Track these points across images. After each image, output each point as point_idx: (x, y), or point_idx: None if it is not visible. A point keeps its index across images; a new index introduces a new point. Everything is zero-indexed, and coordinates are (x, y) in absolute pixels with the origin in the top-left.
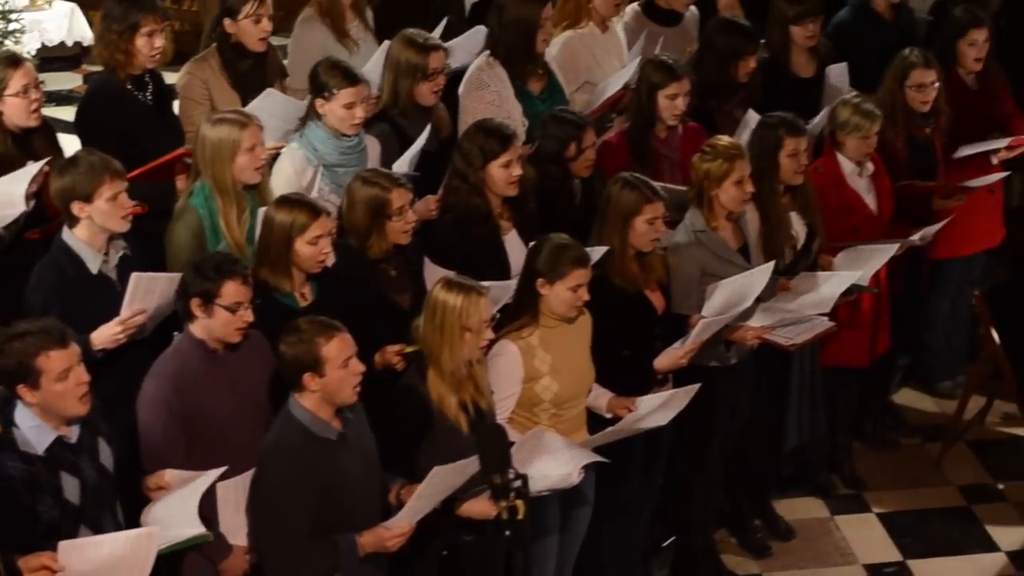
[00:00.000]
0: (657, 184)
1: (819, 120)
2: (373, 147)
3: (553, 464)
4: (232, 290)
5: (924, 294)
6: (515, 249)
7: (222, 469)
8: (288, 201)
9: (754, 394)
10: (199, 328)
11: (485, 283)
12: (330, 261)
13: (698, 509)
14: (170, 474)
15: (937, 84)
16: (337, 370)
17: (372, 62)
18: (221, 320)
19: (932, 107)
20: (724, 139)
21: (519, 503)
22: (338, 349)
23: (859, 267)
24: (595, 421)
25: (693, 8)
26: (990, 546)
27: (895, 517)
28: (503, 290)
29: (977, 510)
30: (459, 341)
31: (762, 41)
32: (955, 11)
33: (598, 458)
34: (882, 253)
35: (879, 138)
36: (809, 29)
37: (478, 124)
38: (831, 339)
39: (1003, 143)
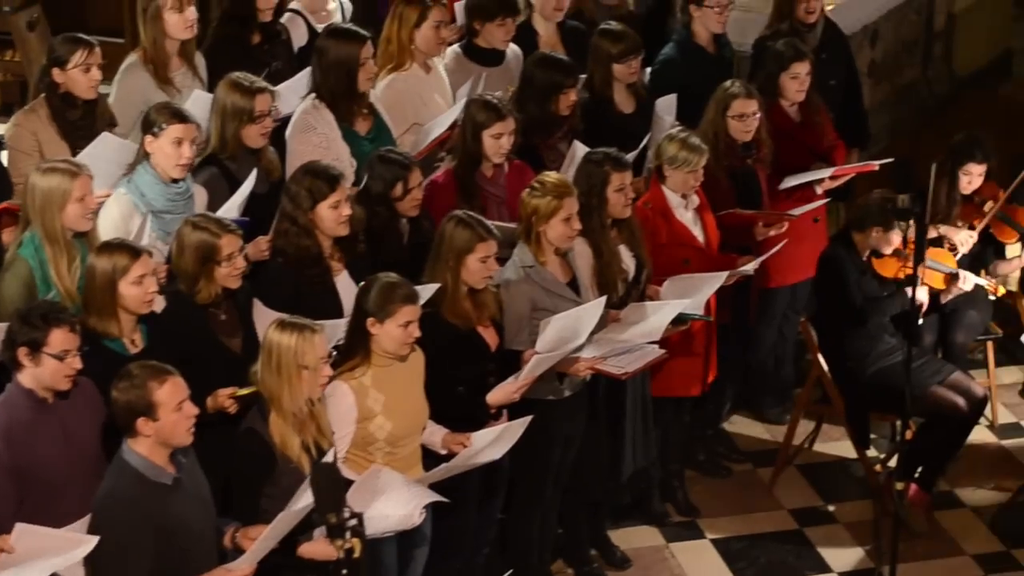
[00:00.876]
0: (489, 222)
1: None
2: (200, 195)
3: (393, 504)
4: (59, 338)
5: (752, 323)
6: (346, 290)
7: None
8: (108, 246)
9: (589, 424)
10: (27, 378)
11: (319, 322)
12: (159, 306)
13: (535, 541)
14: (17, 534)
15: (758, 114)
16: (171, 414)
17: (198, 108)
18: (49, 368)
19: (754, 137)
20: (552, 176)
21: (355, 542)
22: (171, 393)
23: (688, 296)
24: (431, 458)
25: (514, 46)
26: (823, 568)
27: (729, 542)
28: (336, 328)
29: (809, 533)
30: (297, 380)
31: (583, 77)
32: (777, 45)
33: (438, 498)
34: (712, 282)
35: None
36: (631, 66)
37: (305, 166)
38: (665, 370)
39: (827, 173)
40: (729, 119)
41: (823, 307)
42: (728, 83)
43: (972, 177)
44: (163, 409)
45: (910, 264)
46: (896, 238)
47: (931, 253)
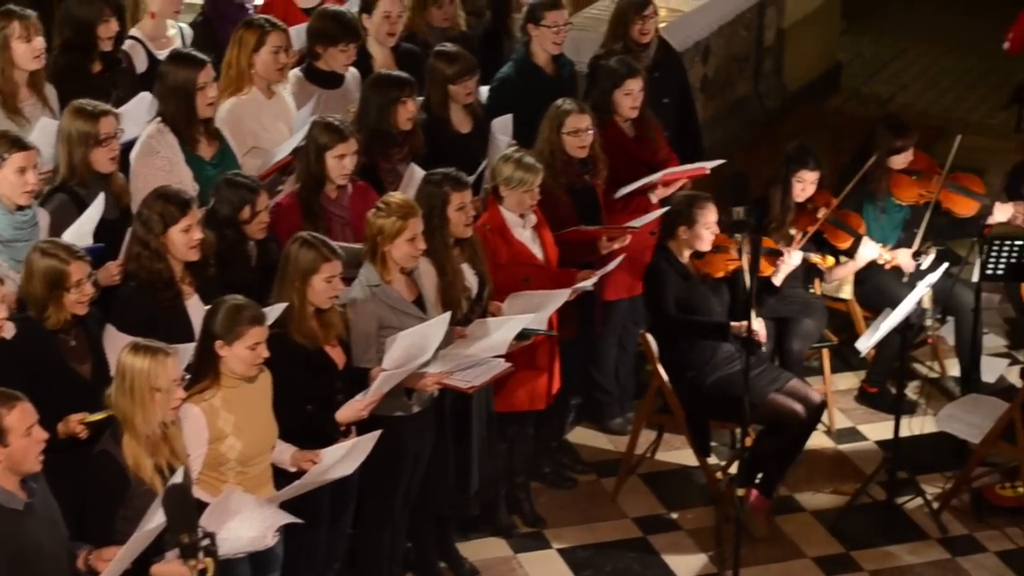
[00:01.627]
0: (333, 243)
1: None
2: (44, 219)
3: (246, 525)
4: None
5: (595, 336)
6: (197, 313)
7: None
8: None
9: (437, 440)
10: None
11: (172, 345)
12: (9, 333)
13: (385, 556)
14: None
15: (591, 130)
16: (20, 439)
17: (45, 136)
18: None
19: (589, 154)
20: (397, 196)
21: (208, 562)
22: (19, 418)
23: (531, 312)
24: (282, 476)
25: (353, 69)
26: (668, 574)
27: (575, 552)
28: (188, 352)
29: (653, 540)
30: (151, 403)
31: (420, 99)
32: (610, 62)
33: (291, 519)
34: (555, 299)
35: (540, 188)
36: (467, 86)
37: (156, 191)
38: (509, 386)
39: (658, 176)
40: (564, 136)
41: (654, 320)
42: (560, 101)
43: (805, 184)
44: (12, 435)
45: (734, 256)
46: (706, 232)
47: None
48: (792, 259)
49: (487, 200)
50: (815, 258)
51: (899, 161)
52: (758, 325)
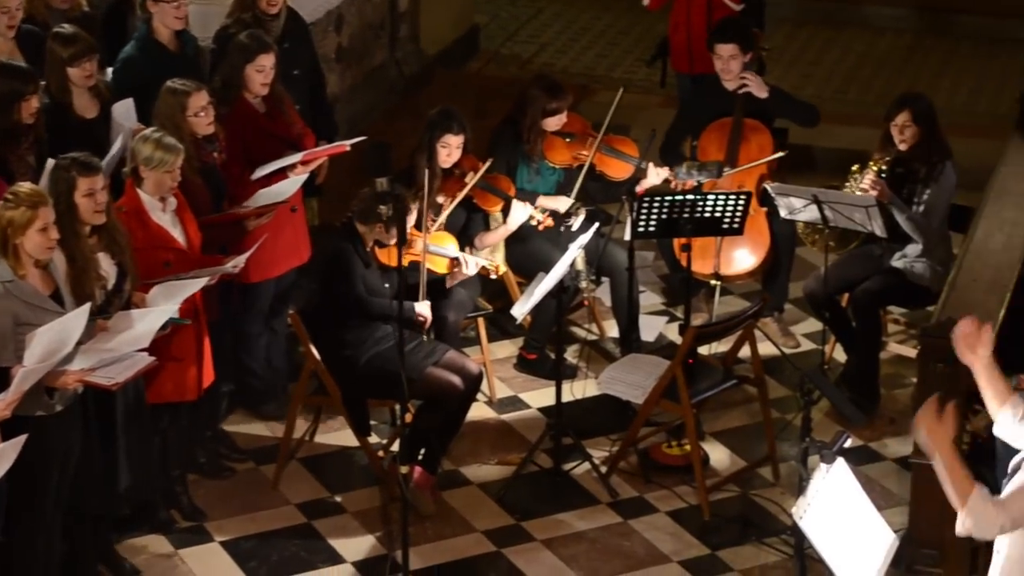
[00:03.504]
0: None
1: (113, 155)
2: None
3: None
4: None
5: (240, 319)
6: None
7: None
8: None
9: (84, 437)
10: None
11: None
12: None
13: (40, 563)
14: None
15: (212, 105)
16: None
17: None
18: None
19: (215, 132)
20: (26, 186)
21: None
22: None
23: (174, 301)
24: None
25: None
26: (336, 559)
27: (239, 543)
28: None
29: (318, 525)
30: None
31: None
32: (242, 37)
33: None
34: (194, 285)
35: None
36: (86, 69)
37: None
38: (158, 377)
39: (297, 157)
40: (188, 118)
41: (326, 298)
42: (173, 83)
43: (451, 149)
44: None
45: (413, 250)
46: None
47: (433, 238)
48: (468, 270)
49: (125, 184)
50: (488, 265)
51: (553, 123)
52: (423, 308)
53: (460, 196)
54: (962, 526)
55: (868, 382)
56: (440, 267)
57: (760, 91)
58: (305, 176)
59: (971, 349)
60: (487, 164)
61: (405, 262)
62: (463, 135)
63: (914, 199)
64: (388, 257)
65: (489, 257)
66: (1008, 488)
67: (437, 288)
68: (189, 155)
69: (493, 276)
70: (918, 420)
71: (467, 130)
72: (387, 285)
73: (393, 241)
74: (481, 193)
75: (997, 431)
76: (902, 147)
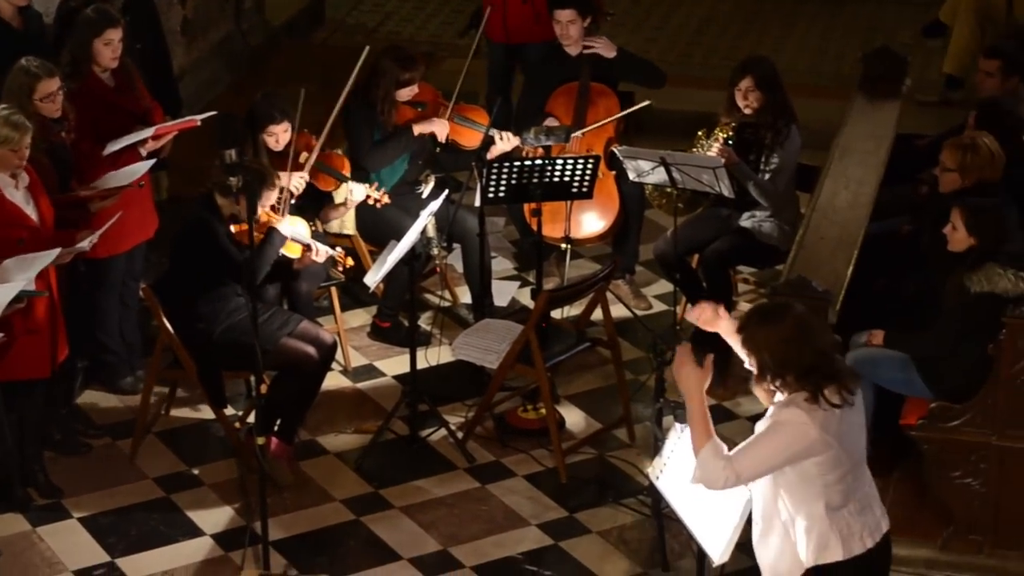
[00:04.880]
0: None
1: None
2: None
3: None
4: None
5: (90, 295)
6: None
7: None
8: None
9: None
10: None
11: None
12: None
13: None
14: None
15: (63, 88)
16: None
17: None
18: None
19: (63, 112)
20: None
21: None
22: None
23: (27, 274)
24: None
25: None
26: (195, 531)
27: (97, 519)
28: None
29: (176, 499)
30: None
31: None
32: (88, 11)
33: None
34: (47, 256)
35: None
36: None
37: None
38: (11, 354)
39: (149, 132)
40: (36, 101)
41: (179, 271)
42: (25, 63)
43: (277, 136)
44: None
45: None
46: (260, 210)
47: (290, 220)
48: (318, 258)
49: None
50: (337, 257)
51: (405, 94)
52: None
53: (302, 175)
54: (692, 475)
55: (719, 341)
56: (293, 251)
57: (608, 51)
58: (154, 160)
59: (711, 326)
60: (319, 143)
61: (257, 236)
62: (287, 120)
63: (761, 164)
64: (241, 233)
65: (338, 229)
66: (740, 445)
67: (284, 269)
68: (35, 135)
69: (339, 268)
70: (678, 361)
71: (290, 114)
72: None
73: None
74: (317, 174)
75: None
76: (747, 112)
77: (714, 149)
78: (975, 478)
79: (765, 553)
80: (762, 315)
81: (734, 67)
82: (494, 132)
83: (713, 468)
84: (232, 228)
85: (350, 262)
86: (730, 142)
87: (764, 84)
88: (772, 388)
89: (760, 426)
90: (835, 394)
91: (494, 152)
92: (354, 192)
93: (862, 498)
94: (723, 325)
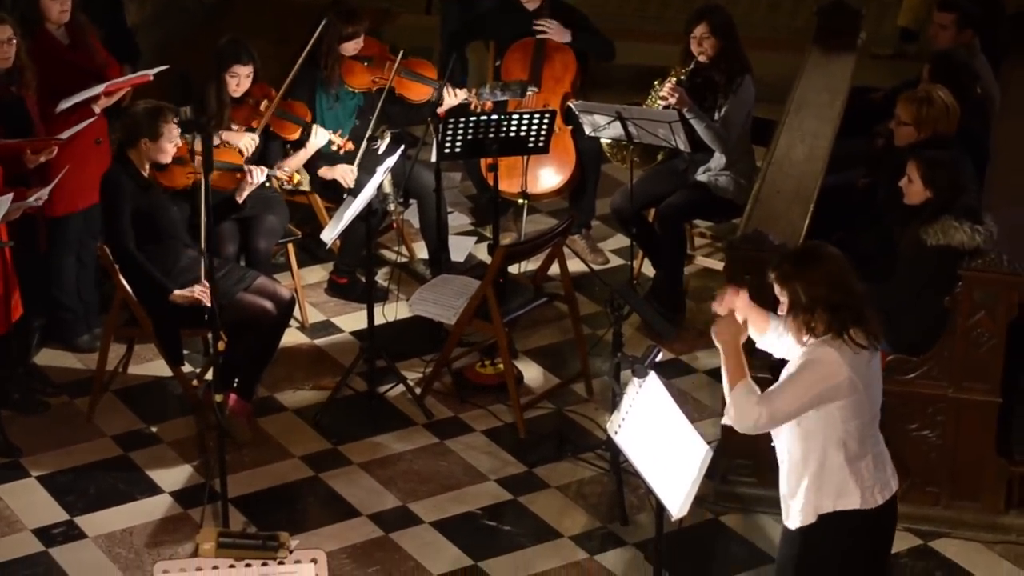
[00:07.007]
0: None
1: None
2: None
3: None
4: None
5: (47, 253)
6: None
7: None
8: None
9: None
10: None
11: None
12: None
13: None
14: None
15: (14, 39)
16: None
17: None
18: None
19: (15, 64)
20: None
21: None
22: None
23: None
24: None
25: None
26: (154, 489)
27: (55, 478)
28: None
29: (135, 457)
30: None
31: None
32: None
33: None
34: None
35: None
36: None
37: None
38: None
39: (101, 88)
40: None
41: (107, 232)
42: None
43: (240, 79)
44: None
45: (193, 168)
46: (169, 146)
47: (217, 154)
48: (256, 178)
49: None
50: (281, 175)
51: (350, 48)
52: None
53: (259, 126)
54: (727, 415)
55: (675, 295)
56: (227, 182)
57: (561, 37)
58: (88, 121)
59: (731, 305)
60: (282, 91)
61: (189, 181)
62: (251, 65)
63: (713, 110)
64: (170, 179)
65: (294, 188)
66: (773, 386)
67: (229, 204)
68: None
69: (288, 187)
70: (726, 307)
71: (256, 60)
72: (175, 209)
73: (168, 158)
74: (278, 121)
75: (761, 345)
76: (702, 59)
77: (666, 88)
78: (932, 430)
79: (790, 498)
80: (797, 254)
81: (690, 14)
82: (442, 86)
83: (747, 405)
84: (156, 175)
85: (296, 178)
86: (682, 85)
87: (719, 31)
88: (801, 326)
89: (789, 369)
90: (862, 335)
91: (444, 107)
92: (318, 135)
93: (877, 455)
94: (743, 298)
